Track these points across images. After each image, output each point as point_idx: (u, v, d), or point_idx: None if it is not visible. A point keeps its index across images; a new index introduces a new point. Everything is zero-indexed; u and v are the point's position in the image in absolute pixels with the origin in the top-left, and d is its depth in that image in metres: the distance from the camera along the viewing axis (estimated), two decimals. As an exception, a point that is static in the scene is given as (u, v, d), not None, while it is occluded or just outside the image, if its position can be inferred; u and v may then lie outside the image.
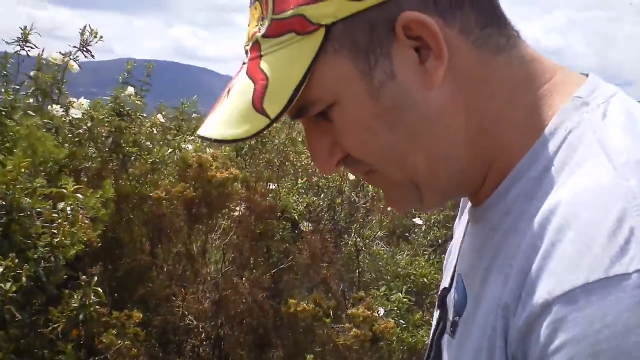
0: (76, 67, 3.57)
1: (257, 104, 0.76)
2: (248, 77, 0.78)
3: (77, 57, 3.61)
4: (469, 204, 0.92)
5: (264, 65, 0.77)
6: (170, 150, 4.14)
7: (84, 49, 3.68)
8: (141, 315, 3.02)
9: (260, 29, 0.78)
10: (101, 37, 3.71)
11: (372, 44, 0.76)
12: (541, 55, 0.83)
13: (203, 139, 0.80)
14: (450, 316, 0.89)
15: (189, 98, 4.43)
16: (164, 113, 4.47)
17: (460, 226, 1.02)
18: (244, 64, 0.80)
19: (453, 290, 0.90)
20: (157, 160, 3.97)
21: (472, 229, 0.89)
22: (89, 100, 3.65)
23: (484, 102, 0.80)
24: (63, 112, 3.49)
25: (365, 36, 0.76)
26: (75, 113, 3.52)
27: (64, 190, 2.58)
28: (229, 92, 0.80)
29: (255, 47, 0.78)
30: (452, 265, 0.98)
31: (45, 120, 3.18)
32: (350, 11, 0.74)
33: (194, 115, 6.23)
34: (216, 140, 0.78)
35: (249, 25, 0.82)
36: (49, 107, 3.29)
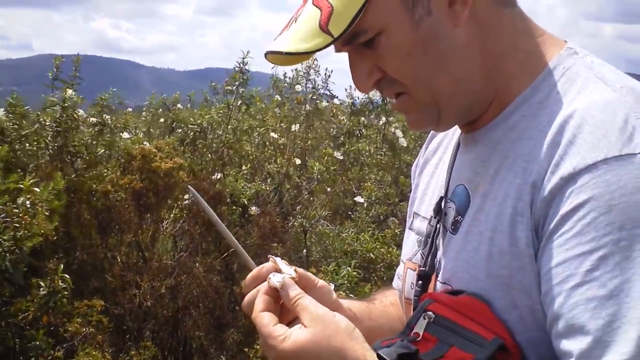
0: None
1: (324, 26, 0.96)
2: (314, 6, 0.98)
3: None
4: (457, 134, 1.17)
5: None
6: (104, 144, 4.12)
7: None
8: (102, 303, 3.11)
9: None
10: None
11: None
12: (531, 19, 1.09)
13: (274, 53, 0.99)
14: (451, 217, 1.10)
15: (106, 91, 4.37)
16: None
17: (433, 159, 1.28)
18: None
19: (449, 199, 1.12)
20: (99, 155, 4.03)
21: (469, 148, 1.12)
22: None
23: (494, 41, 1.03)
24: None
25: None
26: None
27: (21, 186, 2.64)
28: (295, 19, 1.01)
29: None
30: (435, 188, 1.21)
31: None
32: None
33: (129, 109, 6.17)
34: (288, 53, 0.97)
35: None
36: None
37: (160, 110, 5.63)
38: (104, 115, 4.13)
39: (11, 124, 3.46)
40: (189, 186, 1.33)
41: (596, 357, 0.83)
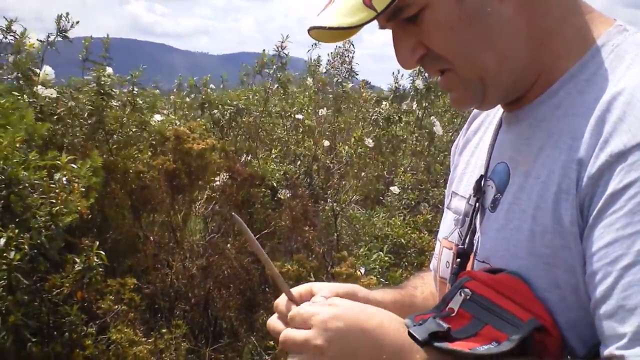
0: (36, 44, 3.62)
1: (367, 0, 0.94)
2: None
3: (55, 42, 3.68)
4: (499, 114, 1.16)
5: None
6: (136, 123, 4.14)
7: (62, 35, 3.74)
8: (135, 281, 3.14)
9: None
10: (77, 22, 3.75)
11: None
12: None
13: (318, 29, 0.98)
14: (490, 196, 1.09)
15: (137, 70, 4.37)
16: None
17: (474, 139, 1.27)
18: None
19: (488, 177, 1.12)
20: (133, 135, 4.05)
21: (512, 127, 1.11)
22: (51, 69, 3.63)
23: (542, 17, 1.01)
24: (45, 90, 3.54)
25: None
26: (51, 92, 3.55)
27: (58, 162, 2.67)
28: None
29: None
30: (475, 167, 1.20)
31: (31, 100, 3.26)
32: None
33: (157, 91, 6.19)
34: (331, 28, 0.97)
35: None
36: (34, 87, 3.35)
37: (192, 94, 5.65)
38: (134, 91, 4.13)
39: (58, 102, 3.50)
40: (233, 214, 1.32)
41: None
